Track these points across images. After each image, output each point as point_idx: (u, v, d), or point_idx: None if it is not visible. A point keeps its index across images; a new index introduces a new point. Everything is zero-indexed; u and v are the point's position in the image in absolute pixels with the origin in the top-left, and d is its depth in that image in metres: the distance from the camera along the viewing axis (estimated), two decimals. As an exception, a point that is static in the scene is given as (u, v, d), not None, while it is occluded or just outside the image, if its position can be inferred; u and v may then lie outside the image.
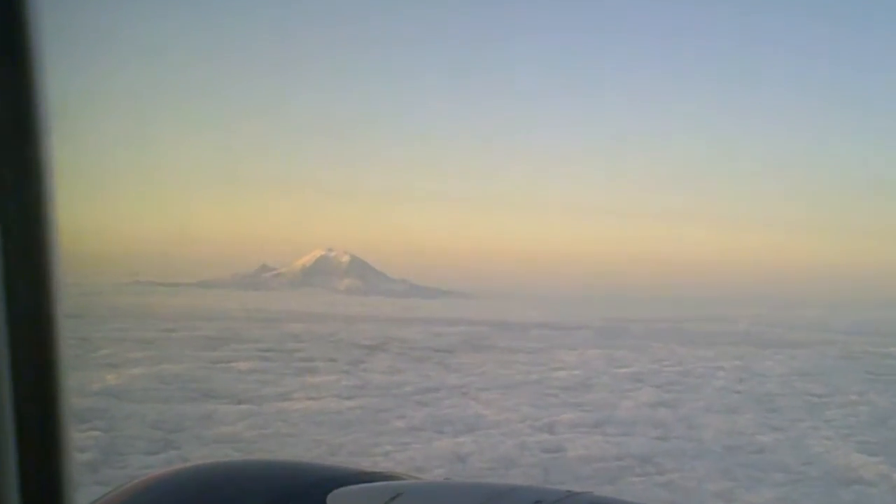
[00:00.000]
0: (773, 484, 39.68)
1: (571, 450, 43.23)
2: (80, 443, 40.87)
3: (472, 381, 62.21)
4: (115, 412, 47.09)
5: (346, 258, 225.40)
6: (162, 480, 3.38)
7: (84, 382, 54.61)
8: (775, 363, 78.89)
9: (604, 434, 47.03)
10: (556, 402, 56.05)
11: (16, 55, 2.13)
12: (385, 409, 50.80)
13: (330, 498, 2.94)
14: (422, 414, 49.94)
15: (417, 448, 42.40)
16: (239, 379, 59.88)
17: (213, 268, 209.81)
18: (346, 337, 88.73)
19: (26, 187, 2.16)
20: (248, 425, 45.60)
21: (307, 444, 42.55)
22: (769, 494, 38.31)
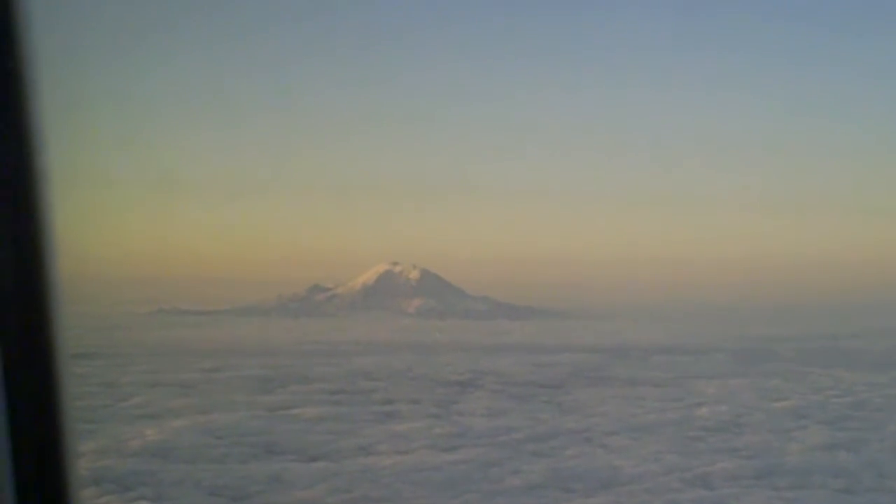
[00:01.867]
0: None
1: (738, 509, 41.90)
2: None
3: (594, 424, 60.98)
4: (163, 476, 46.58)
5: (415, 273, 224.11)
6: None
7: (118, 439, 54.38)
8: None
9: (773, 488, 45.57)
10: (705, 447, 54.64)
11: (10, 59, 2.45)
12: (494, 463, 49.73)
13: None
14: (540, 467, 48.82)
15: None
16: (307, 429, 59.22)
17: (252, 290, 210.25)
18: (428, 371, 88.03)
19: (22, 199, 2.51)
20: (329, 488, 44.79)
21: (405, 510, 41.91)
22: None
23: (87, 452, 49.83)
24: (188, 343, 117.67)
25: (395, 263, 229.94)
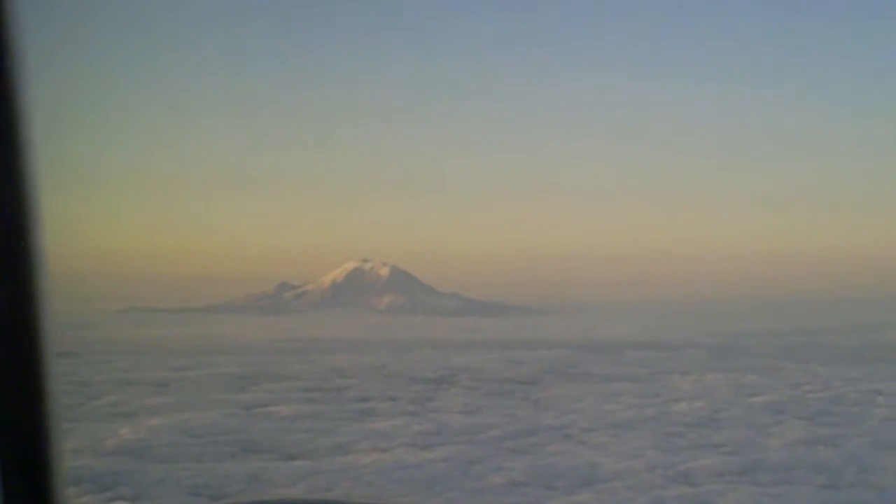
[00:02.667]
0: None
1: (723, 506, 41.82)
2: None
3: (573, 421, 60.86)
4: (141, 476, 46.19)
5: (384, 270, 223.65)
6: None
7: (94, 439, 53.92)
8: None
9: (756, 484, 45.57)
10: (685, 443, 54.66)
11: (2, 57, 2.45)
12: (475, 460, 49.54)
13: None
14: (521, 465, 48.63)
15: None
16: (284, 427, 58.90)
17: (221, 288, 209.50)
18: (402, 369, 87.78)
19: (5, 194, 2.51)
20: (309, 487, 44.53)
21: (387, 509, 41.60)
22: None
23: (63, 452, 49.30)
24: (161, 341, 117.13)
25: (365, 260, 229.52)
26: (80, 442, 52.40)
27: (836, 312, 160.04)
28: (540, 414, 63.68)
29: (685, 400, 68.65)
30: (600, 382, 79.41)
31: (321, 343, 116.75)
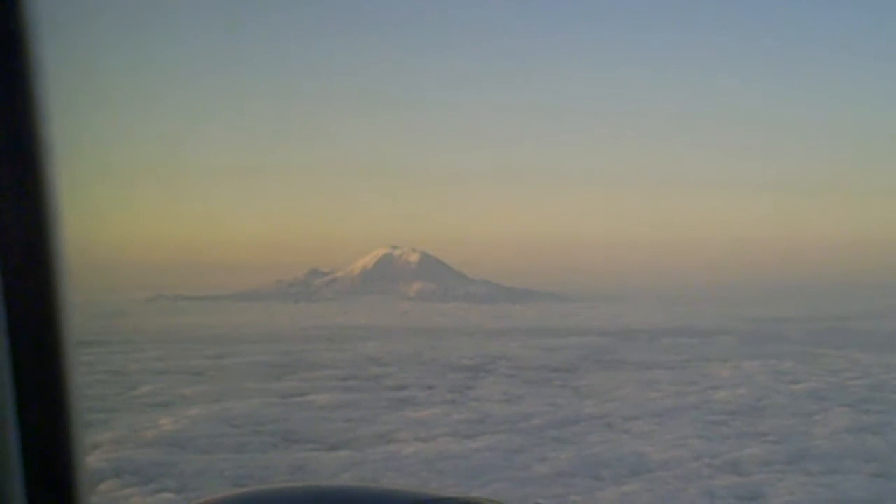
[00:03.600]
0: None
1: (774, 496, 41.16)
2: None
3: (614, 409, 60.28)
4: (184, 467, 45.84)
5: (415, 257, 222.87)
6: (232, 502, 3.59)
7: (133, 429, 53.68)
8: None
9: (806, 473, 44.92)
10: (730, 431, 54.02)
11: (15, 52, 2.46)
12: (519, 450, 49.06)
13: None
14: (567, 454, 48.11)
15: (577, 501, 40.64)
16: (323, 416, 58.52)
17: (249, 275, 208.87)
18: (438, 356, 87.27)
19: (26, 188, 2.51)
20: (354, 477, 43.98)
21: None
22: None
23: (104, 443, 49.11)
24: (191, 329, 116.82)
25: (395, 247, 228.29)
26: (119, 433, 52.17)
27: (865, 298, 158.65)
28: (580, 402, 63.09)
29: (725, 387, 67.96)
30: (637, 370, 78.77)
31: (354, 330, 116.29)
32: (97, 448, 48.35)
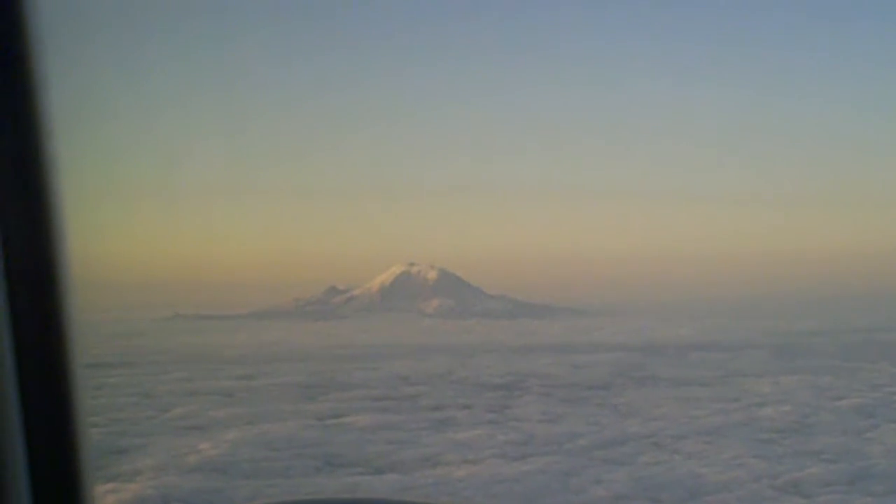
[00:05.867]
0: None
1: (844, 519, 39.99)
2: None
3: (659, 428, 59.06)
4: (231, 493, 44.63)
5: (432, 273, 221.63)
6: None
7: (173, 454, 52.59)
8: None
9: (870, 494, 43.68)
10: (783, 450, 52.77)
11: (17, 60, 2.49)
12: (571, 472, 47.87)
13: None
14: (621, 476, 46.94)
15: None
16: (364, 439, 57.33)
17: (268, 293, 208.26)
18: (468, 375, 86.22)
19: (31, 204, 2.54)
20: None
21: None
22: None
23: (146, 470, 48.13)
24: (214, 349, 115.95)
25: (412, 264, 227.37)
26: (160, 458, 51.14)
27: (889, 309, 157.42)
28: (623, 421, 61.87)
29: (769, 404, 66.79)
30: (672, 386, 77.69)
31: (378, 349, 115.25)
32: (139, 474, 47.43)
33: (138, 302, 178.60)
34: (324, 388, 77.74)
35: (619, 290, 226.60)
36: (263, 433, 58.60)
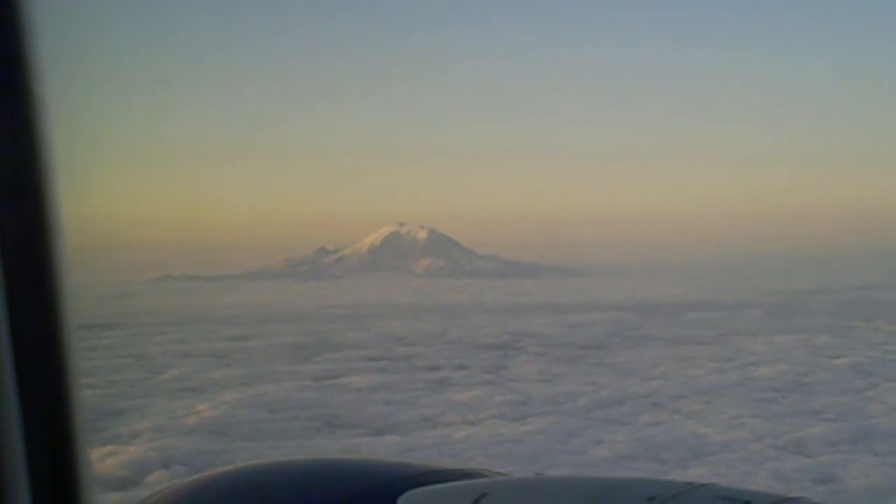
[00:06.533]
0: None
1: (848, 478, 39.81)
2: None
3: (658, 388, 58.97)
4: (231, 455, 44.32)
5: (422, 233, 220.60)
6: (219, 480, 3.57)
7: (171, 416, 52.33)
8: None
9: (874, 454, 43.54)
10: (783, 409, 52.69)
11: (13, 58, 2.46)
12: (572, 433, 47.71)
13: (402, 500, 2.99)
14: (622, 436, 46.79)
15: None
16: (362, 399, 57.16)
17: (257, 254, 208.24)
18: (462, 335, 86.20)
19: (24, 165, 2.49)
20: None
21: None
22: None
23: (144, 431, 47.93)
24: (206, 310, 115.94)
25: (402, 224, 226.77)
26: (158, 420, 50.92)
27: (882, 267, 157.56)
28: (621, 381, 61.80)
29: (765, 363, 66.76)
30: (668, 345, 77.74)
31: (370, 309, 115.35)
32: (138, 436, 47.20)
33: (126, 264, 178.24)
34: (317, 349, 77.63)
35: (611, 250, 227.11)
36: (260, 395, 58.37)
